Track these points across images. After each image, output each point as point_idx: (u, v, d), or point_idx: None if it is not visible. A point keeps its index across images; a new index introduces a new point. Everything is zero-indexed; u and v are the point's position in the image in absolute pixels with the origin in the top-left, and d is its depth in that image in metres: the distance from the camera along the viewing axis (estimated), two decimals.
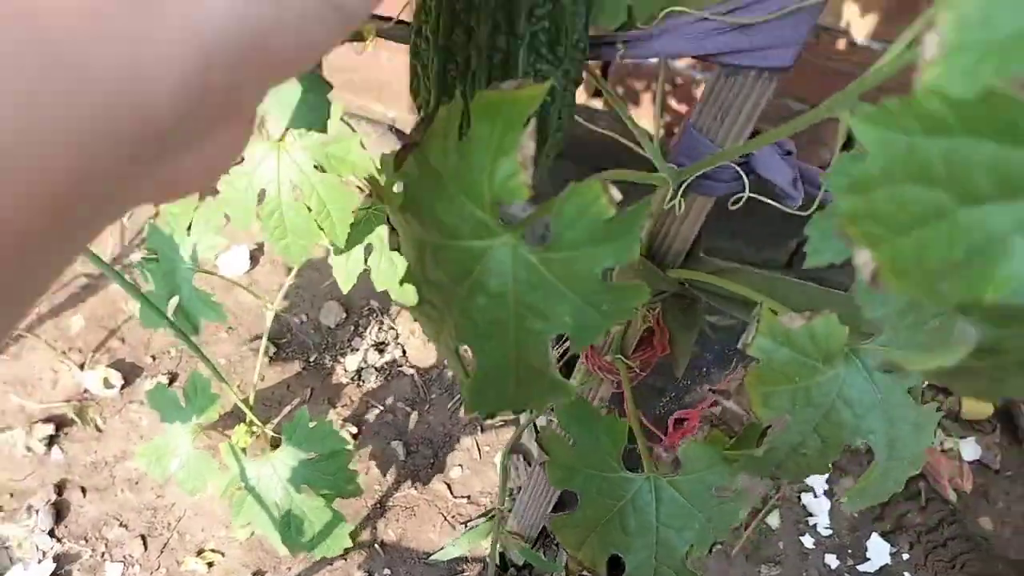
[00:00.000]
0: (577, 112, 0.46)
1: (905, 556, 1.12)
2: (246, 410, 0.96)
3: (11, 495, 1.04)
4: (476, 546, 1.04)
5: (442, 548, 1.04)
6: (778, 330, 0.47)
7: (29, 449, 1.06)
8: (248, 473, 0.90)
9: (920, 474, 1.17)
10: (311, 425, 0.90)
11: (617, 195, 0.35)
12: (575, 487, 0.59)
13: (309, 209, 0.76)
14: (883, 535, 1.14)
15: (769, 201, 0.51)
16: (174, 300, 0.92)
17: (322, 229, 0.77)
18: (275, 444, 0.92)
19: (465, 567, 1.04)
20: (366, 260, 0.85)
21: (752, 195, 0.51)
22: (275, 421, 1.09)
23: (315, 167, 0.74)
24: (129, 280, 0.82)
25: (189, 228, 0.90)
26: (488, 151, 0.35)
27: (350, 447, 0.91)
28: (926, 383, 0.55)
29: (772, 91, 0.46)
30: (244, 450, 0.93)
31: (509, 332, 0.41)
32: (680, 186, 0.52)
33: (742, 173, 0.51)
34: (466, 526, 1.06)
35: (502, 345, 0.41)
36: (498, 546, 1.05)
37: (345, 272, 0.85)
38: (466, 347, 0.42)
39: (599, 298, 0.38)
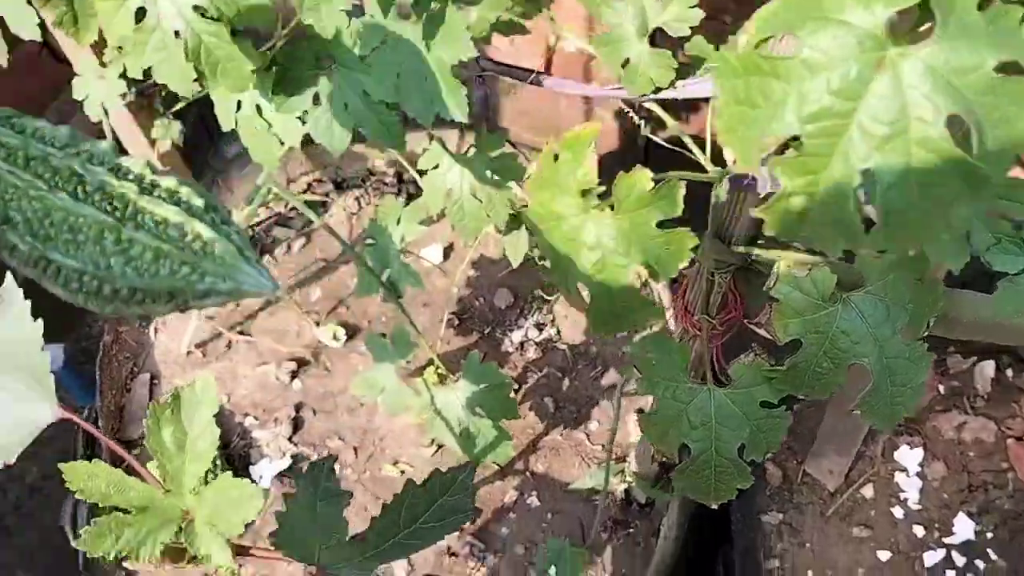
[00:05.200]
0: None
1: (990, 535, 1.26)
2: (434, 357, 1.28)
3: (264, 410, 1.41)
4: (602, 482, 1.30)
5: (579, 480, 1.30)
6: (791, 278, 0.71)
7: (278, 379, 1.43)
8: (436, 400, 1.21)
9: (1010, 466, 1.32)
10: (481, 365, 1.20)
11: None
12: (656, 393, 0.84)
13: (480, 201, 1.05)
14: (970, 515, 1.28)
15: None
16: (386, 272, 1.25)
17: (488, 216, 1.07)
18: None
19: (596, 497, 1.29)
20: (530, 245, 1.15)
21: None
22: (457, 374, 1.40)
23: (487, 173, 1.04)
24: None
25: (398, 220, 1.23)
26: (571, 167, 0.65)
27: (510, 381, 1.20)
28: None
29: None
30: (433, 385, 1.25)
31: (606, 271, 0.68)
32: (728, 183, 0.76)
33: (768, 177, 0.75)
34: (599, 466, 1.32)
35: (603, 281, 0.68)
36: (623, 484, 1.30)
37: (514, 249, 1.15)
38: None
39: (661, 242, 0.65)
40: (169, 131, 1.18)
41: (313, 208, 1.61)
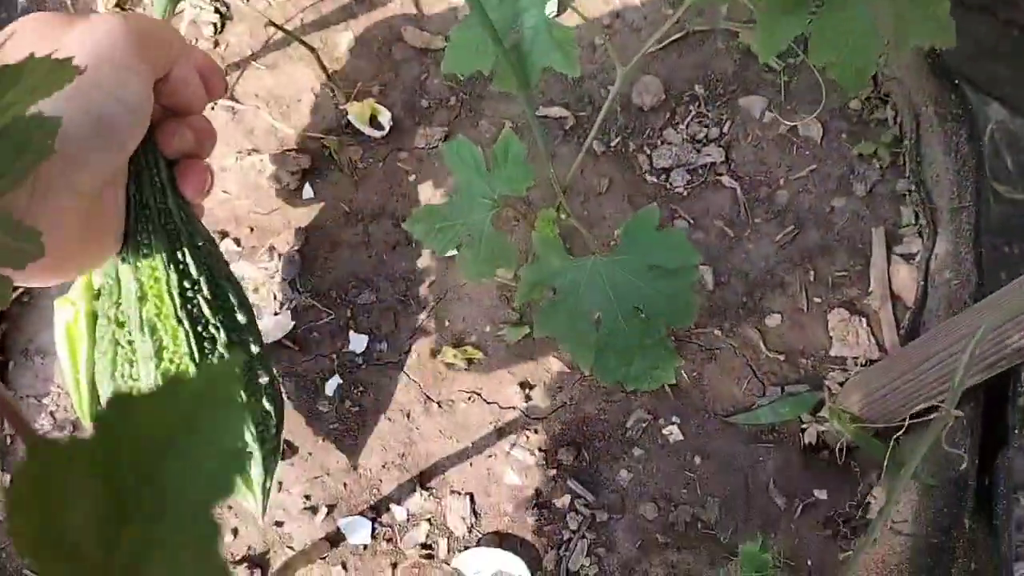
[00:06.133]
0: None
1: None
2: (559, 193, 0.74)
3: (251, 229, 0.88)
4: (791, 420, 0.82)
5: (749, 409, 0.83)
6: None
7: (278, 180, 0.89)
8: (567, 274, 0.69)
9: None
10: (661, 232, 0.67)
11: None
12: None
13: None
14: None
15: None
16: (514, 32, 0.68)
17: None
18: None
19: (770, 440, 0.83)
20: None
21: None
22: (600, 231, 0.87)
23: None
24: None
25: None
26: None
27: (699, 264, 0.69)
28: None
29: None
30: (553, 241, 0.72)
31: None
32: None
33: None
34: (782, 390, 0.84)
35: None
36: (813, 421, 0.83)
37: (773, 33, 0.59)
38: None
39: None
40: None
41: None
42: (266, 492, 0.63)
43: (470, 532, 0.79)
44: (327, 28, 0.95)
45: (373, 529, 0.79)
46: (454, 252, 0.75)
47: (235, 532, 0.80)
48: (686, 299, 0.69)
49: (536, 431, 0.82)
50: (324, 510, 0.80)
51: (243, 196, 0.89)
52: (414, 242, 0.88)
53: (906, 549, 0.74)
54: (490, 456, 0.81)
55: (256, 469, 0.62)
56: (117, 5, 0.93)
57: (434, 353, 0.84)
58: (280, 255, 0.86)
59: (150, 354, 0.55)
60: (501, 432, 0.82)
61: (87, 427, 0.80)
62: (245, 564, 0.80)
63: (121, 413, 0.23)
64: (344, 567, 0.80)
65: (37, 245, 0.30)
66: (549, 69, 0.67)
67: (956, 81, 0.82)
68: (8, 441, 0.82)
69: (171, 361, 0.56)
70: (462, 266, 0.75)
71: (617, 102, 0.94)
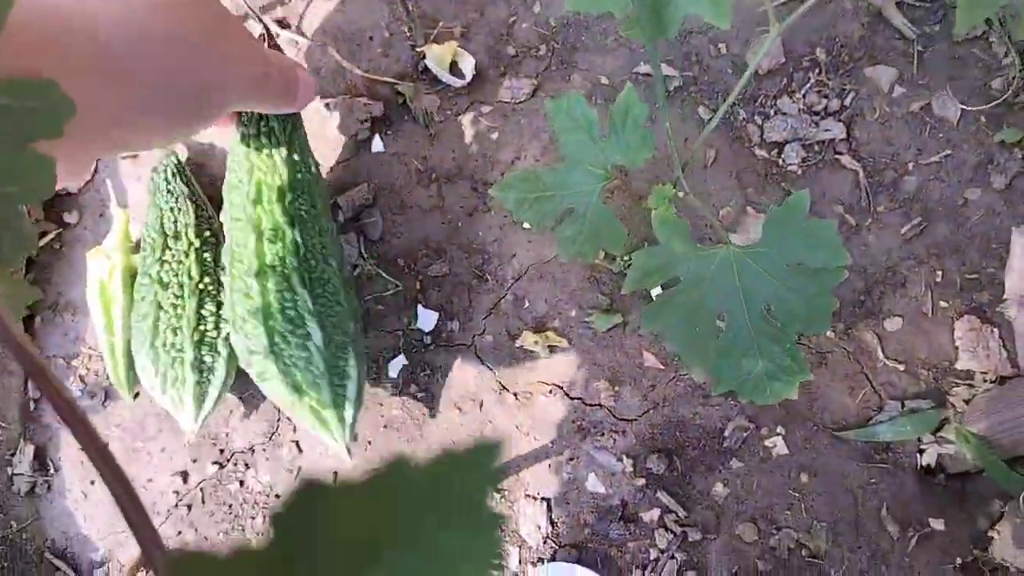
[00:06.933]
0: None
1: None
2: (677, 165, 0.64)
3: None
4: (909, 437, 0.73)
5: (864, 424, 0.73)
6: None
7: (345, 129, 0.78)
8: (690, 264, 0.59)
9: None
10: (811, 221, 0.57)
11: None
12: None
13: None
14: None
15: None
16: None
17: None
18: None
19: (884, 459, 0.73)
20: None
21: None
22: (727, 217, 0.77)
23: None
24: None
25: None
26: None
27: (847, 263, 0.58)
28: None
29: None
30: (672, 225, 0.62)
31: None
32: None
33: None
34: (902, 405, 0.74)
35: None
36: (934, 441, 0.74)
37: None
38: None
39: None
40: None
41: None
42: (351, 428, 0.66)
43: (545, 543, 0.70)
44: None
45: None
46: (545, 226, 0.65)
47: None
48: (826, 303, 0.59)
49: (624, 433, 0.73)
50: None
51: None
52: (493, 209, 0.77)
53: None
54: (571, 459, 0.72)
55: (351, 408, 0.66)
56: None
57: (512, 337, 0.75)
58: (344, 215, 0.76)
59: (310, 309, 0.62)
60: (584, 432, 0.72)
61: (122, 395, 0.71)
62: None
63: (310, 510, 0.14)
64: None
65: (69, 104, 0.23)
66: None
67: None
68: (31, 406, 0.73)
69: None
70: (561, 244, 0.65)
71: (729, 63, 0.83)
